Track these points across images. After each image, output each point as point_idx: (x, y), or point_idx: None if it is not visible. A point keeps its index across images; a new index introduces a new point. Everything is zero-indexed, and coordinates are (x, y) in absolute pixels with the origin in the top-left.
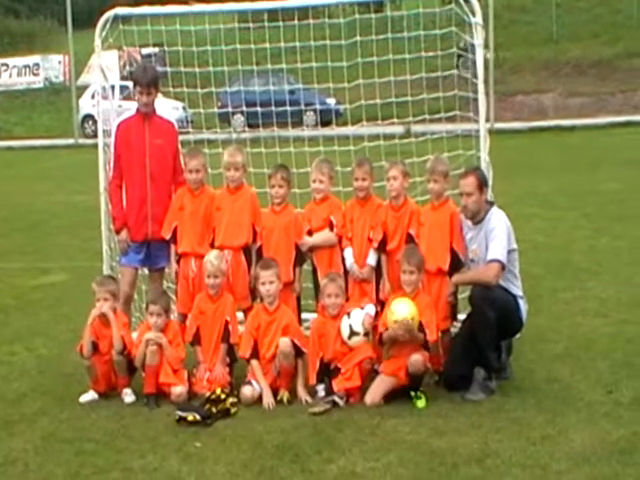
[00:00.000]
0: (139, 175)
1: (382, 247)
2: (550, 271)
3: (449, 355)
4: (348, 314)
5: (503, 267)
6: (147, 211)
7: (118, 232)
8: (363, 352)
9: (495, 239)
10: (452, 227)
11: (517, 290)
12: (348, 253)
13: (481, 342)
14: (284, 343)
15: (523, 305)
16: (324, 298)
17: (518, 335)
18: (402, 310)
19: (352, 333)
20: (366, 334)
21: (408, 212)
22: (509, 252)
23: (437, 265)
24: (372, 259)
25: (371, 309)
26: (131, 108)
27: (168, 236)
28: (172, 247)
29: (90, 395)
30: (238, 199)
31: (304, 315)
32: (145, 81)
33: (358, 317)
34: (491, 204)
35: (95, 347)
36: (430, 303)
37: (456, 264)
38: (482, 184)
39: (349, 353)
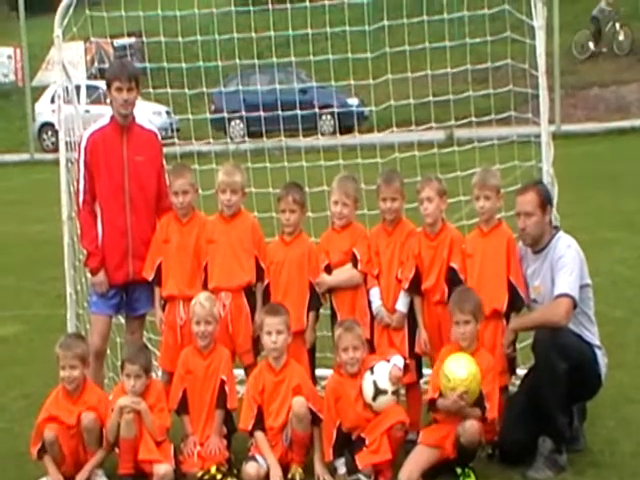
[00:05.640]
0: (116, 201)
1: (415, 287)
2: (636, 314)
3: (506, 420)
4: (371, 369)
5: (575, 304)
6: (127, 246)
7: (95, 272)
8: (393, 416)
9: (564, 269)
10: (509, 256)
11: (593, 337)
12: (375, 294)
13: (548, 403)
14: (299, 404)
15: (602, 357)
16: (339, 353)
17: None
18: (460, 371)
19: (377, 392)
20: (395, 392)
21: (448, 240)
22: (581, 287)
23: (492, 306)
24: (402, 304)
25: (399, 360)
26: (102, 114)
27: (151, 277)
28: (156, 290)
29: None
30: (235, 228)
31: (319, 372)
32: (126, 74)
33: (384, 371)
34: (556, 229)
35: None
36: (493, 366)
37: (514, 303)
38: (545, 202)
39: (374, 419)
